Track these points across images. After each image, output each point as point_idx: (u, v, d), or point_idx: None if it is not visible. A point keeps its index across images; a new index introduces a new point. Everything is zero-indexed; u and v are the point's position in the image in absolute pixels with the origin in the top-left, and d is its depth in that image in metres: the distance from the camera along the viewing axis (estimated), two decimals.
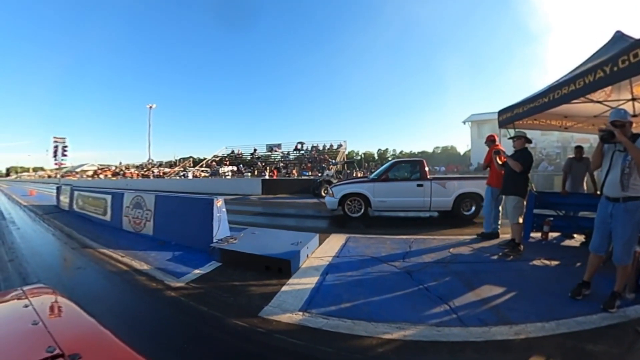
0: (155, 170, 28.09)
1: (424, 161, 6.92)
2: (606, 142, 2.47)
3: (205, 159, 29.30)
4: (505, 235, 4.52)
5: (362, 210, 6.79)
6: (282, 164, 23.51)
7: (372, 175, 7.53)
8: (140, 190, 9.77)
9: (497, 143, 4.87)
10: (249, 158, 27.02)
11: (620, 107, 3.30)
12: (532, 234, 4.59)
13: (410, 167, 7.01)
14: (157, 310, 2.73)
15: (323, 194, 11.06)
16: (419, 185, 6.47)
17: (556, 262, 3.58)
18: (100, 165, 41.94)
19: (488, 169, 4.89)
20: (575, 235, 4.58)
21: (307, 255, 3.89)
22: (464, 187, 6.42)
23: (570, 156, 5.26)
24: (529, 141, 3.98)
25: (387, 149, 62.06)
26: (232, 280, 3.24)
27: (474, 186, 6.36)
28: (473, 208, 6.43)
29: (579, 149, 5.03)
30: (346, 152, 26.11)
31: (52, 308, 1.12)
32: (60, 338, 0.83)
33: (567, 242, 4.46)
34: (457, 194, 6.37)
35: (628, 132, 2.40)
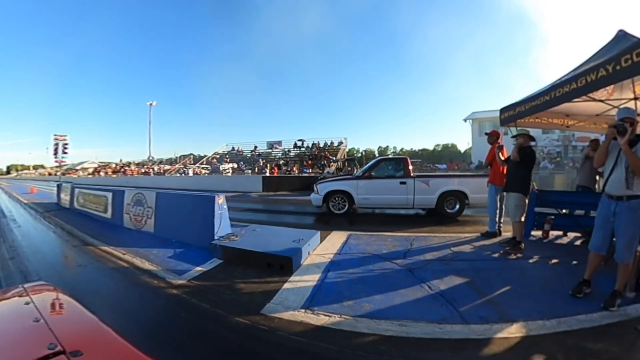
0: (156, 167, 28.09)
1: (408, 159, 6.96)
2: (622, 134, 2.35)
3: (205, 156, 29.33)
4: (507, 233, 4.52)
5: (346, 208, 6.86)
6: (282, 161, 23.49)
7: (357, 173, 7.56)
8: (140, 187, 9.80)
9: (499, 140, 4.85)
10: (249, 155, 27.04)
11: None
12: (533, 232, 4.60)
13: (394, 164, 7.01)
14: (159, 308, 2.74)
15: None
16: (402, 183, 6.48)
17: (557, 260, 3.58)
18: (101, 162, 42.02)
19: (489, 167, 4.87)
20: (574, 234, 4.57)
21: (309, 253, 3.89)
22: (447, 185, 6.41)
23: (589, 149, 4.71)
24: (533, 139, 3.96)
25: (387, 146, 62.12)
26: (234, 278, 3.24)
27: (458, 184, 6.37)
28: (457, 206, 6.42)
29: (595, 141, 4.67)
30: (347, 150, 26.07)
31: (53, 305, 1.12)
32: (62, 335, 0.82)
33: (568, 241, 4.46)
34: (441, 191, 6.35)
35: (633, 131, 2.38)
